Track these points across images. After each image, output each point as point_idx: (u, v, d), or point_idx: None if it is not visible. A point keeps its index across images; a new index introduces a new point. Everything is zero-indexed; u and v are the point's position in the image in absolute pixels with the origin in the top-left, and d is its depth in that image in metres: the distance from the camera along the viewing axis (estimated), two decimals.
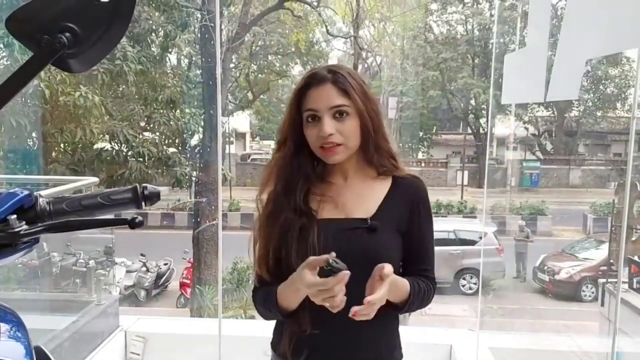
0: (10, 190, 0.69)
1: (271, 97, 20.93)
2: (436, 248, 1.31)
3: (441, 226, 11.77)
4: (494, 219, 14.12)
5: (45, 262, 5.18)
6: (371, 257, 1.13)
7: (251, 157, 24.09)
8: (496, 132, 20.24)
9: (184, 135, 9.40)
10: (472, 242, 11.16)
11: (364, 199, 1.24)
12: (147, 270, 10.46)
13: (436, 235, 1.33)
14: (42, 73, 6.81)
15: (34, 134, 7.40)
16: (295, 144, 1.23)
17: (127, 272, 10.19)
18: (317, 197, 1.23)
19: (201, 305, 7.85)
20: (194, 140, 10.18)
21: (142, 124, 8.92)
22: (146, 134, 8.84)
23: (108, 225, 0.74)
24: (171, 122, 8.60)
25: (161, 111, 8.53)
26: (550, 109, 21.38)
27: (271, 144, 27.25)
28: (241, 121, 23.17)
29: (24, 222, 0.69)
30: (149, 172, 8.03)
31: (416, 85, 20.88)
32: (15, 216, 0.68)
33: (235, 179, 19.79)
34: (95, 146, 8.33)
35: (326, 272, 1.03)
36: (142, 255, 10.61)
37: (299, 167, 1.23)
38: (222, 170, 8.98)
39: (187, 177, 8.86)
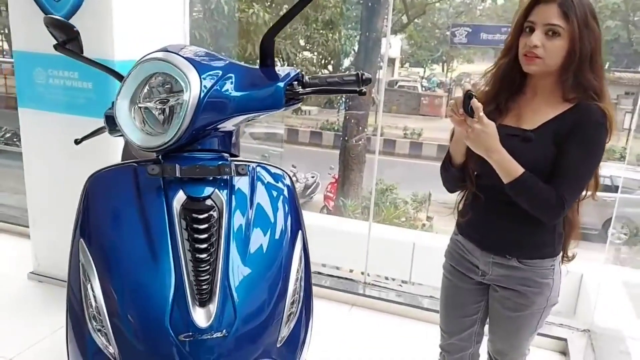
0: (291, 68, 1.12)
1: (426, 22, 20.22)
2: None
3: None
4: None
5: None
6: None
7: (398, 84, 23.78)
8: None
9: (339, 57, 9.75)
10: (630, 191, 10.32)
11: (537, 114, 1.38)
12: (297, 180, 11.46)
13: None
14: None
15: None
16: (514, 52, 1.40)
17: None
18: (508, 104, 1.43)
19: (343, 215, 8.55)
20: (346, 62, 10.48)
21: (302, 43, 9.44)
22: (305, 53, 9.36)
23: (347, 93, 1.16)
24: (329, 43, 9.01)
25: (321, 31, 8.95)
26: None
27: (420, 72, 26.53)
28: (392, 45, 22.78)
29: (301, 87, 1.12)
30: None
31: None
32: (297, 82, 1.11)
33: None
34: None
35: (466, 101, 1.28)
36: (293, 166, 11.59)
37: (510, 73, 1.42)
38: (373, 94, 9.27)
39: (338, 98, 9.30)
